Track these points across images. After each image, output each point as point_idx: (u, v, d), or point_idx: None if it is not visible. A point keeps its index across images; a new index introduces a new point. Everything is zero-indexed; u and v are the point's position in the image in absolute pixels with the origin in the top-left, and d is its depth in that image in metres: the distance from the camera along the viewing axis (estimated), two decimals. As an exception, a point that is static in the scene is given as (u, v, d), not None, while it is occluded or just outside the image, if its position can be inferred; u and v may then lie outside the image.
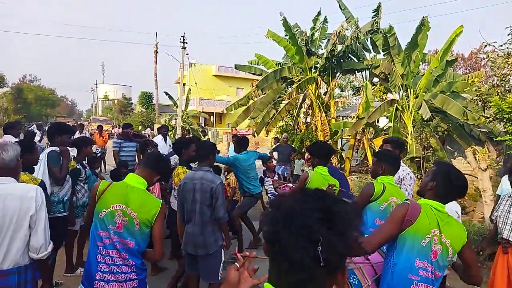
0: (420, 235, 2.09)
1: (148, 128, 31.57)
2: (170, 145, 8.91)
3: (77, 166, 4.47)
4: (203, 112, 32.64)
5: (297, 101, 13.90)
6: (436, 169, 2.24)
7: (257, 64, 14.92)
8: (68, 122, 44.63)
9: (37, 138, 10.16)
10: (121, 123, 39.89)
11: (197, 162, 3.61)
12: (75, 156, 4.62)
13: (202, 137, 19.86)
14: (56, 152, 4.07)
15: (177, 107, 27.49)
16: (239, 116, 14.30)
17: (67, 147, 4.24)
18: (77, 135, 11.32)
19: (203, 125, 32.49)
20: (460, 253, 2.14)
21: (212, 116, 33.63)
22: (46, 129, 5.07)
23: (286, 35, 13.13)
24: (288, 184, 4.59)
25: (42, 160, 3.98)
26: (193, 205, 3.35)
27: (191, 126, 26.34)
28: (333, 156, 12.29)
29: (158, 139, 8.75)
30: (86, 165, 4.82)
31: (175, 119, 26.84)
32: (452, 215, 3.07)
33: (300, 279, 0.86)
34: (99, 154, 12.51)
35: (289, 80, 13.76)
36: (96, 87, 64.42)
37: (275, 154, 10.45)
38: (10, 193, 2.31)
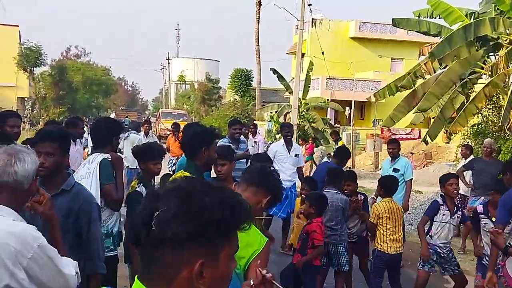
0: None
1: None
2: (296, 155, 9.39)
3: (138, 188, 4.92)
4: (332, 100, 32.98)
5: (506, 79, 13.12)
6: None
7: (432, 17, 14.79)
8: (129, 116, 49.49)
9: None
10: (202, 118, 42.86)
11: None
12: (140, 172, 5.19)
13: (333, 142, 20.04)
14: (108, 161, 4.56)
15: (290, 92, 28.26)
16: (397, 108, 14.29)
17: (119, 155, 4.82)
18: (142, 137, 12.55)
19: (332, 122, 32.73)
20: None
21: (348, 108, 33.66)
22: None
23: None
24: None
25: (93, 172, 4.49)
26: None
27: (312, 124, 26.82)
28: None
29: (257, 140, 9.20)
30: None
31: (288, 112, 27.65)
32: None
33: (144, 256, 1.42)
34: (174, 168, 13.63)
35: (491, 44, 13.27)
36: (168, 64, 70.16)
37: (467, 175, 10.11)
38: None
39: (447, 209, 6.41)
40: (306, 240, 5.89)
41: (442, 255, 6.46)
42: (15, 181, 2.46)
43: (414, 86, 14.09)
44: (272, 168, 3.45)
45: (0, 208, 2.41)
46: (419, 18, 14.92)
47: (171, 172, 9.80)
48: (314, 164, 19.55)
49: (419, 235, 6.54)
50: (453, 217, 6.45)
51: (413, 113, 14.30)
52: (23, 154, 2.54)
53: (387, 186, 6.95)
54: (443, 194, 6.63)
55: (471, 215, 7.13)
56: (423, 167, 21.79)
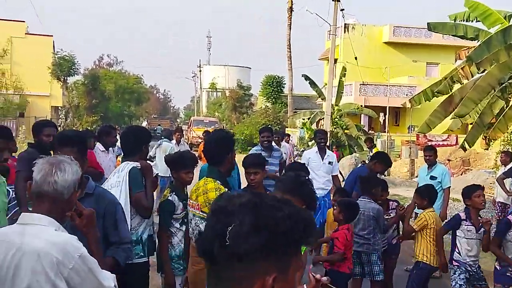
0: None
1: None
2: (330, 162, 9.39)
3: (170, 197, 4.98)
4: (366, 106, 32.73)
5: (548, 83, 12.93)
6: None
7: (469, 20, 14.65)
8: (161, 124, 50.12)
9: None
10: (234, 126, 43.07)
11: None
12: (172, 181, 5.24)
13: (367, 149, 19.90)
14: (137, 169, 4.64)
15: (322, 99, 28.17)
16: (433, 113, 14.25)
17: (149, 163, 4.83)
18: (174, 146, 12.69)
19: (366, 129, 32.49)
20: None
21: (383, 114, 33.41)
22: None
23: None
24: None
25: (123, 181, 4.60)
26: None
27: (346, 131, 26.68)
28: None
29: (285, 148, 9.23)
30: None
31: (321, 119, 27.57)
32: None
33: (215, 271, 1.45)
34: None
35: (532, 46, 12.87)
36: (200, 71, 70.93)
37: (507, 183, 9.88)
38: (31, 246, 2.38)
39: (471, 224, 6.18)
40: (333, 246, 5.89)
41: (472, 273, 6.28)
42: (54, 191, 2.50)
43: (451, 91, 13.92)
44: (306, 177, 3.47)
45: (41, 217, 2.46)
46: (455, 21, 14.76)
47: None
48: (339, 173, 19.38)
49: (438, 246, 6.38)
50: (479, 232, 6.21)
51: (450, 119, 14.13)
52: (64, 164, 2.59)
53: (430, 196, 6.79)
54: (468, 207, 6.37)
55: (495, 227, 6.91)
56: (461, 174, 21.38)
